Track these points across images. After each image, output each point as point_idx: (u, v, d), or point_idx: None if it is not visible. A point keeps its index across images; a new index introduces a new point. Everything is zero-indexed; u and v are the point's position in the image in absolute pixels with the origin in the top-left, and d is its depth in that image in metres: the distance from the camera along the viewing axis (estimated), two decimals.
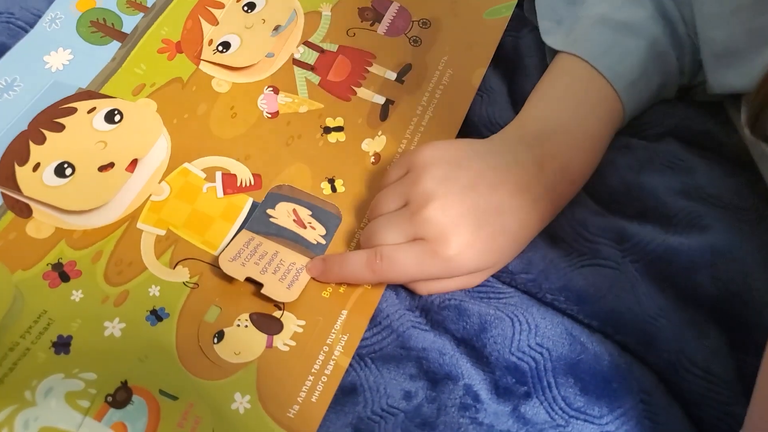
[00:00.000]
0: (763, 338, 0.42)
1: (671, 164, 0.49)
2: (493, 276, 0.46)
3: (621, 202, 0.48)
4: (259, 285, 0.43)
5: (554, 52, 0.52)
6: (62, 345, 0.42)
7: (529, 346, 0.42)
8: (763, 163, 0.47)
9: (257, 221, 0.47)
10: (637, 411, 0.41)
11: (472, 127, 0.52)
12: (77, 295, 0.43)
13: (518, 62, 0.55)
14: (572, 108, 0.47)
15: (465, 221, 0.42)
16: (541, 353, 0.42)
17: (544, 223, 0.46)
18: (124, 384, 0.40)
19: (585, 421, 0.41)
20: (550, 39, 0.51)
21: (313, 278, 0.45)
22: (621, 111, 0.48)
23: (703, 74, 0.52)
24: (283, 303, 0.44)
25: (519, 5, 0.57)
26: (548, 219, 0.46)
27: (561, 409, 0.41)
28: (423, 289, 0.44)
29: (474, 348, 0.43)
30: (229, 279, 0.44)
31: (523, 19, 0.57)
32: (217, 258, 0.45)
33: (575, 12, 0.52)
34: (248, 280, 0.44)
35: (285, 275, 0.44)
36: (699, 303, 0.44)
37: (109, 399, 0.39)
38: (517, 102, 0.53)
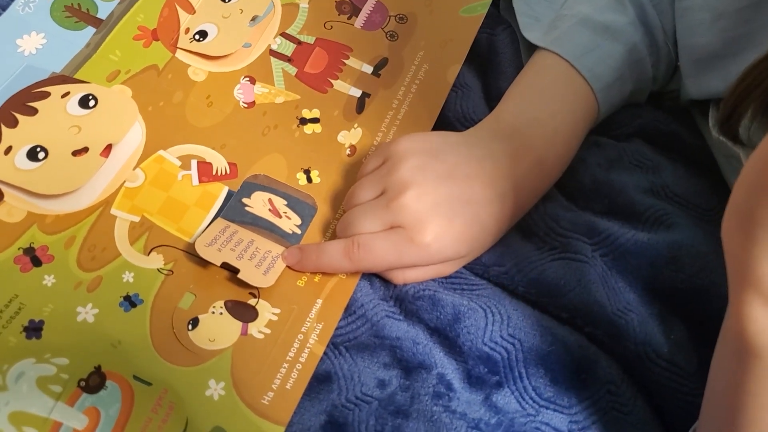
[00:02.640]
0: None
1: (639, 163, 0.50)
2: (466, 268, 0.46)
3: (591, 199, 0.49)
4: (235, 270, 0.43)
5: (529, 50, 0.53)
6: (34, 330, 0.41)
7: (501, 336, 0.43)
8: (727, 166, 0.49)
9: (233, 210, 0.47)
10: (604, 402, 0.42)
11: (447, 122, 0.53)
12: (49, 280, 0.43)
13: (493, 59, 0.56)
14: (549, 104, 0.48)
15: (441, 209, 0.43)
16: (512, 344, 0.43)
17: (517, 215, 0.47)
18: (98, 369, 0.40)
19: (554, 411, 0.42)
20: (531, 35, 0.52)
21: (289, 267, 0.45)
22: (596, 111, 0.49)
23: (674, 83, 0.53)
24: (258, 290, 0.44)
25: (494, 3, 0.58)
26: (522, 211, 0.47)
27: (531, 398, 0.42)
28: (399, 277, 0.45)
29: (447, 338, 0.43)
30: (204, 266, 0.44)
31: (498, 17, 0.58)
32: (192, 244, 0.45)
33: (553, 9, 0.53)
34: (224, 265, 0.44)
35: (261, 262, 0.44)
36: (665, 296, 0.45)
37: (82, 384, 0.39)
38: (491, 98, 0.54)
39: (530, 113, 0.48)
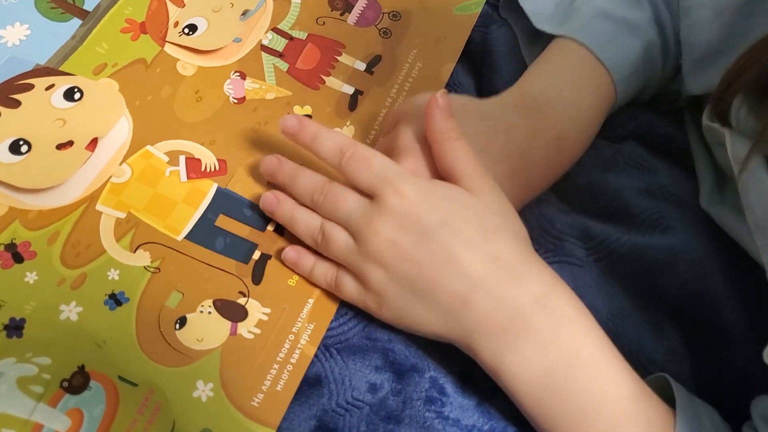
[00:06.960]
0: (720, 339, 0.43)
1: (636, 164, 0.50)
2: None
3: (586, 201, 0.48)
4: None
5: (531, 47, 0.52)
6: (14, 328, 0.40)
7: None
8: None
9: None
10: None
11: None
12: (31, 277, 0.42)
13: (486, 58, 0.55)
14: (571, 83, 0.48)
15: None
16: None
17: (528, 194, 0.46)
18: (81, 369, 0.38)
19: None
20: (546, 26, 0.51)
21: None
22: (614, 100, 0.49)
23: (673, 84, 0.53)
24: (248, 289, 0.43)
25: (488, 2, 0.57)
26: (533, 192, 0.46)
27: None
28: None
29: None
30: (192, 264, 0.43)
31: (492, 16, 0.57)
32: (179, 242, 0.43)
33: (563, 6, 0.53)
34: None
35: None
36: (659, 303, 0.44)
37: (65, 384, 0.38)
38: (484, 97, 0.53)
39: (555, 89, 0.47)
